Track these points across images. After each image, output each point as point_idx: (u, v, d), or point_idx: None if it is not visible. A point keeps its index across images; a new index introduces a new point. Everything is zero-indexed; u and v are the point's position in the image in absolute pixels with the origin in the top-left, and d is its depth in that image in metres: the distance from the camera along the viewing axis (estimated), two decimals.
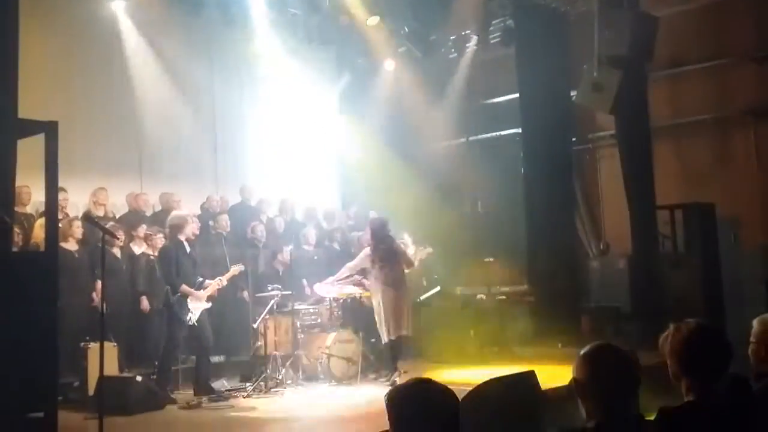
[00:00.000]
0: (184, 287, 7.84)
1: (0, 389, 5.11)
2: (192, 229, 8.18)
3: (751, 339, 3.39)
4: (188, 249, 8.08)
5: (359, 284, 9.15)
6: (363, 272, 8.90)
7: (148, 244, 8.93)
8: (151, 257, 8.79)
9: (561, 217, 11.69)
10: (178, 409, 7.34)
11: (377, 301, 8.54)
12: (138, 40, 10.56)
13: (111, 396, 6.38)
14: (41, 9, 9.27)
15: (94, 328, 7.45)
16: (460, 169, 12.52)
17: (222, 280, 8.32)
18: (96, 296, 8.06)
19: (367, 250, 8.75)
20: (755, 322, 3.45)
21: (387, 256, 8.65)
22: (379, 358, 9.08)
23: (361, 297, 9.46)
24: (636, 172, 10.76)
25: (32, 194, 8.16)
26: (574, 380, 2.52)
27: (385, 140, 12.67)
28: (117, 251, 8.57)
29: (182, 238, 8.03)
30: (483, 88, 13.06)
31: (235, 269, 8.54)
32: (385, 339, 8.46)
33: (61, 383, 6.54)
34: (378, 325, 8.54)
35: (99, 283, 7.55)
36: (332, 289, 9.00)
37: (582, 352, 2.57)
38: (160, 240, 8.73)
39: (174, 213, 8.82)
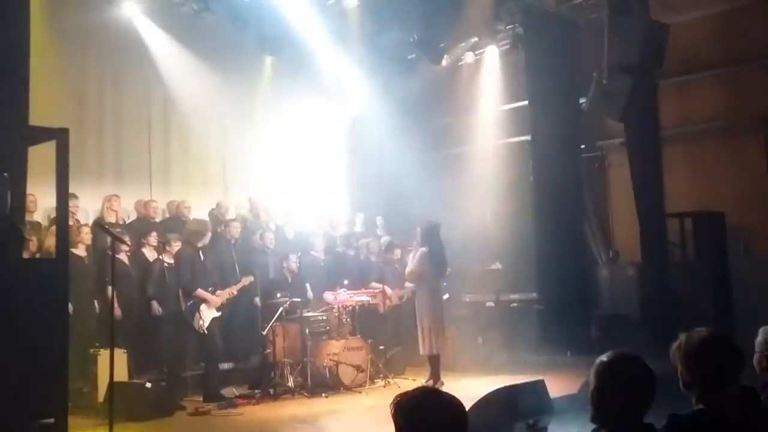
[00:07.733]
0: (200, 291, 7.88)
1: (11, 395, 5.14)
2: (207, 237, 8.24)
3: (756, 349, 3.38)
4: (202, 256, 8.13)
5: (373, 294, 9.14)
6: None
7: (166, 251, 8.89)
8: (166, 264, 8.77)
9: (570, 225, 11.65)
10: (188, 415, 7.37)
11: (429, 314, 8.36)
12: (151, 49, 10.58)
13: (121, 402, 6.37)
14: (54, 16, 9.30)
15: (104, 334, 7.47)
16: (470, 175, 12.50)
17: (233, 291, 8.37)
18: (106, 302, 8.08)
19: (423, 253, 8.41)
20: (760, 332, 3.44)
21: (441, 264, 8.40)
22: (387, 366, 9.06)
23: (369, 304, 9.44)
24: (646, 179, 10.72)
25: (39, 201, 8.20)
26: (594, 387, 2.49)
27: (397, 147, 12.67)
28: (125, 257, 8.57)
29: (198, 245, 8.09)
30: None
31: (246, 280, 8.59)
32: (428, 351, 8.35)
33: (71, 389, 6.56)
34: (424, 335, 8.35)
35: (109, 289, 7.59)
36: (342, 296, 8.98)
37: (603, 359, 2.52)
38: (177, 247, 8.72)
39: (194, 219, 8.84)
